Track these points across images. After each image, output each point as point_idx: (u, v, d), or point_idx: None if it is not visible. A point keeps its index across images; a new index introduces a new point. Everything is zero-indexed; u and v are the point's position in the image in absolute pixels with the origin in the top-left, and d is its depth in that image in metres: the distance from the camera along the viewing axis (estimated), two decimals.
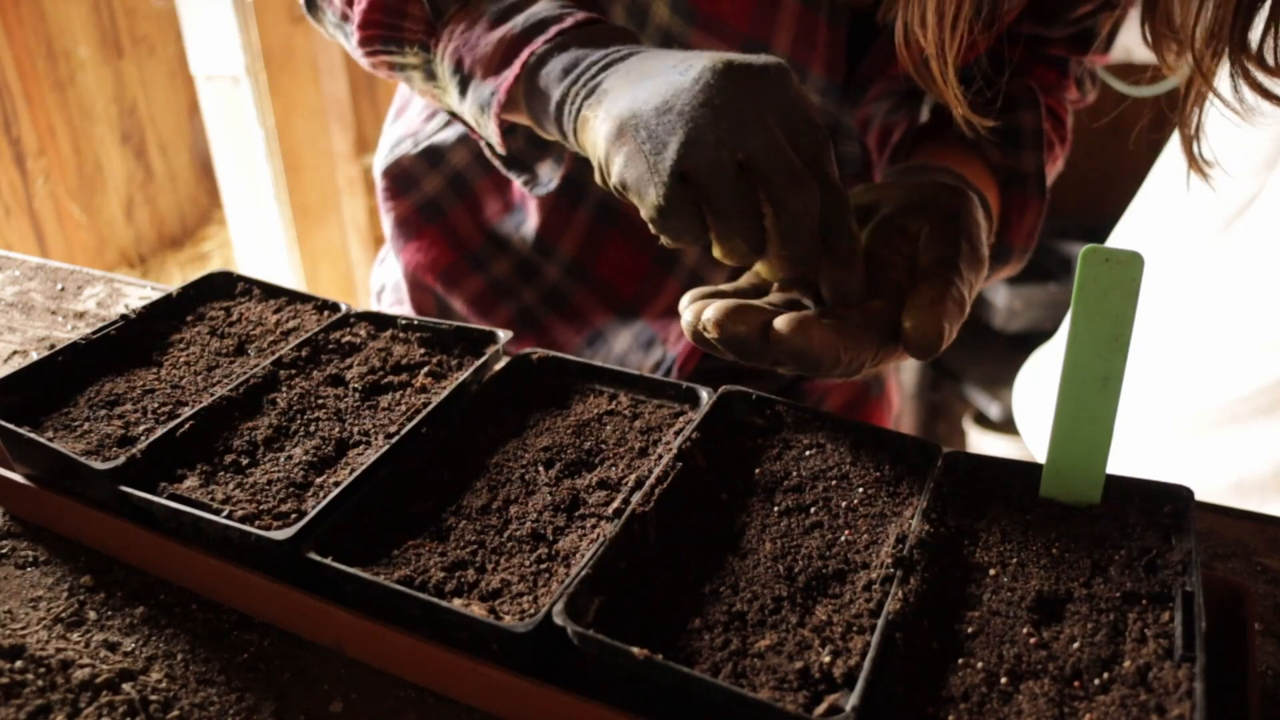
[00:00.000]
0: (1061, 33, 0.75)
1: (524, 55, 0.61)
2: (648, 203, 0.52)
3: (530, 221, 0.86)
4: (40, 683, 0.48)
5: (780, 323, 0.51)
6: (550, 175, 0.72)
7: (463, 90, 0.65)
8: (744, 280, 0.61)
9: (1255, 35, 0.55)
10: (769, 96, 0.51)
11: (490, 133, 0.65)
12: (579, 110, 0.57)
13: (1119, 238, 1.31)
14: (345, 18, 0.71)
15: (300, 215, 2.28)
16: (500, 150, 0.67)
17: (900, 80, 0.76)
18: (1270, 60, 0.55)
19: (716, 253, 0.53)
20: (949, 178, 0.67)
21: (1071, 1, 0.71)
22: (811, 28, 0.70)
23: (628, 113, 0.53)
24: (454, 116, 0.71)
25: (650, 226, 0.53)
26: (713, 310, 0.53)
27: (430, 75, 0.69)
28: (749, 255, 0.53)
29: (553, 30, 0.61)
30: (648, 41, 0.72)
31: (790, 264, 0.53)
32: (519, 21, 0.62)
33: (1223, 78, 0.57)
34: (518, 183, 0.72)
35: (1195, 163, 0.62)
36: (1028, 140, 0.75)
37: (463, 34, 0.65)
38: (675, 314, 0.85)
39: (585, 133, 0.57)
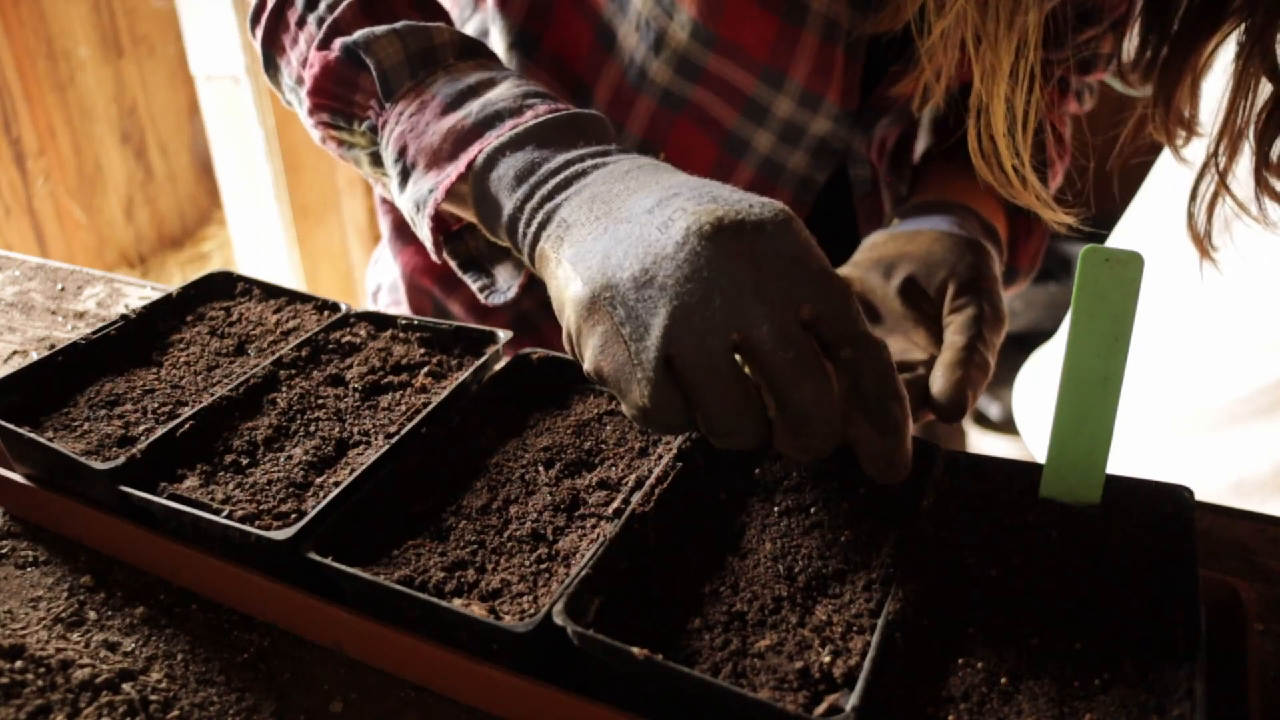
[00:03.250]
0: (1064, 55, 0.76)
1: (471, 152, 0.54)
2: (630, 401, 0.45)
3: None
4: (40, 683, 0.48)
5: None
6: (509, 282, 0.64)
7: (403, 181, 0.58)
8: None
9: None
10: (769, 261, 0.43)
11: (424, 234, 0.57)
12: (535, 239, 0.51)
13: (1119, 238, 1.31)
14: (300, 81, 0.64)
15: (300, 215, 2.28)
16: (434, 257, 0.60)
17: (911, 105, 0.76)
18: None
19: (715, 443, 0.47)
20: (965, 217, 0.68)
21: (1077, 28, 0.71)
22: (829, 59, 0.69)
23: (600, 281, 0.45)
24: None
25: (633, 422, 0.48)
26: None
27: (377, 161, 0.62)
28: (749, 445, 0.46)
29: (507, 125, 0.54)
30: (662, 65, 0.71)
31: (799, 453, 0.45)
32: (473, 110, 0.55)
33: (1233, 175, 0.58)
34: (473, 288, 0.64)
35: (1206, 252, 0.63)
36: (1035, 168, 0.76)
37: (411, 117, 0.57)
38: None
39: (546, 273, 0.50)
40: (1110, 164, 0.65)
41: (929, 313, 0.61)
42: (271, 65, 0.68)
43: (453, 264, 0.64)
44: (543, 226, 0.50)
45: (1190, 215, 0.61)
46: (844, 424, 0.44)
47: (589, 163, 0.51)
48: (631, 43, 0.72)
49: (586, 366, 0.47)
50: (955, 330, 0.58)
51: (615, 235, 0.46)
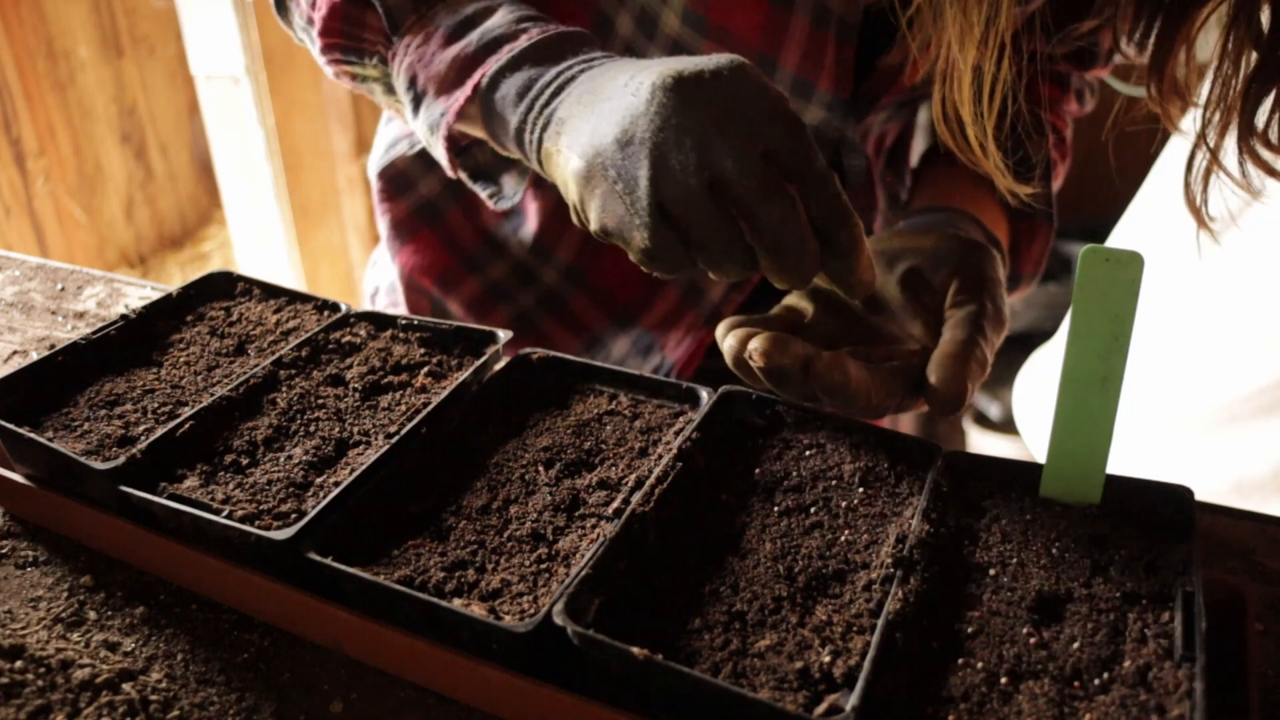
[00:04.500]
0: (1064, 49, 0.76)
1: (475, 77, 0.60)
2: (634, 247, 0.51)
3: (528, 225, 0.86)
4: (40, 683, 0.48)
5: (822, 359, 0.52)
6: (514, 189, 0.71)
7: (415, 108, 0.64)
8: (777, 310, 0.62)
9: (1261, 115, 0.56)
10: (727, 104, 0.49)
11: (439, 154, 0.64)
12: (540, 143, 0.56)
13: (1119, 238, 1.31)
14: (310, 22, 0.70)
15: (300, 215, 2.28)
16: (450, 174, 0.66)
17: (904, 95, 0.76)
18: (1276, 139, 0.56)
19: (711, 276, 0.53)
20: (967, 224, 0.68)
21: (1074, 20, 0.71)
22: (820, 46, 0.70)
23: (590, 150, 0.51)
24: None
25: (641, 266, 0.53)
26: (759, 341, 0.53)
27: (390, 89, 0.67)
28: (742, 274, 0.52)
29: (505, 50, 0.59)
30: (655, 51, 0.72)
31: (784, 276, 0.51)
32: (473, 39, 0.61)
33: (1228, 147, 0.58)
34: (483, 196, 0.71)
35: (1203, 223, 0.63)
36: (1036, 170, 0.76)
37: (418, 49, 0.63)
38: (673, 321, 0.86)
39: (552, 169, 0.56)
40: (1105, 135, 0.65)
41: (929, 306, 0.61)
42: (282, 7, 0.73)
43: (463, 175, 0.69)
44: (544, 129, 0.56)
45: (1186, 185, 0.61)
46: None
47: (577, 69, 0.57)
48: (628, 30, 0.72)
49: (593, 227, 0.53)
50: (955, 324, 0.59)
51: (599, 112, 0.52)
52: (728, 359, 0.56)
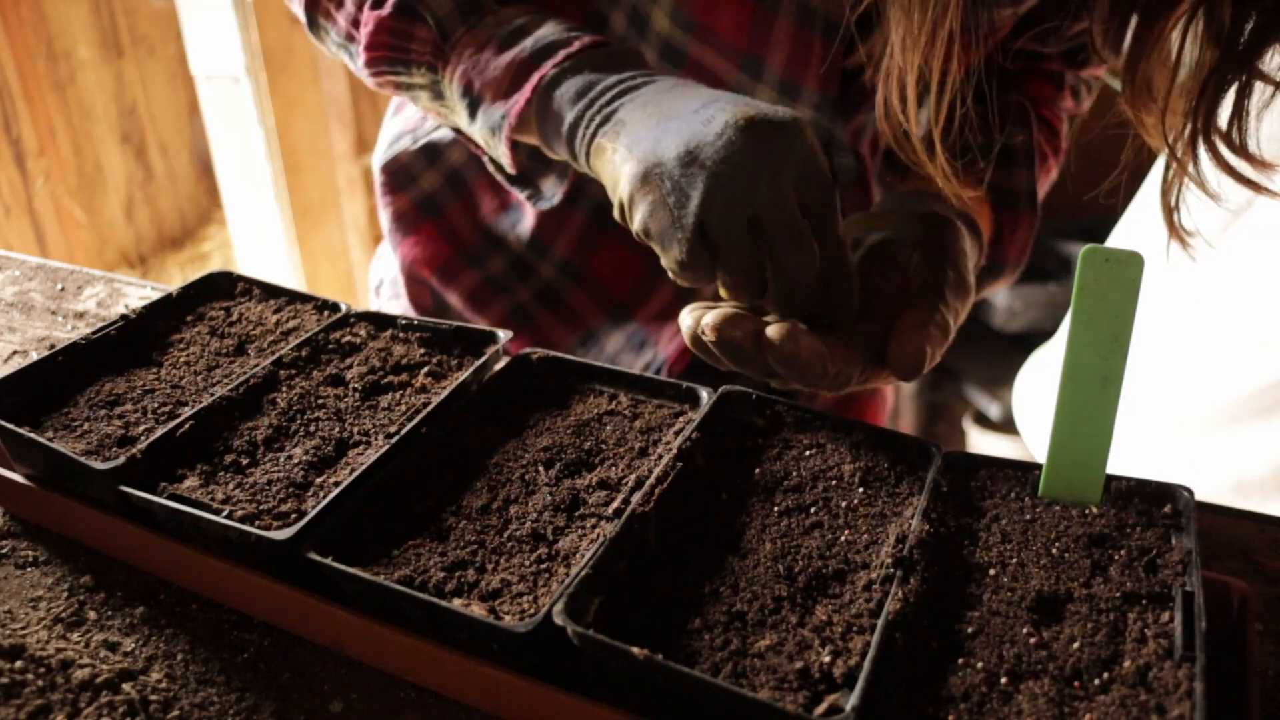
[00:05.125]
0: (1057, 48, 0.75)
1: (534, 79, 0.62)
2: (670, 255, 0.55)
3: (526, 221, 0.86)
4: (40, 683, 0.48)
5: (772, 330, 0.53)
6: (554, 190, 0.73)
7: (472, 113, 0.66)
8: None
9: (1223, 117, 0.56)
10: (785, 153, 0.53)
11: (501, 154, 0.66)
12: (593, 136, 0.59)
13: (1119, 238, 1.31)
14: (351, 38, 0.71)
15: (300, 215, 2.28)
16: (510, 170, 0.68)
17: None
18: (1237, 139, 0.57)
19: (721, 292, 0.57)
20: (941, 207, 0.69)
21: (1062, 17, 0.71)
22: (806, 45, 0.70)
23: (652, 158, 0.54)
24: (458, 133, 0.72)
25: (669, 273, 0.56)
26: (711, 316, 0.55)
27: (438, 95, 0.69)
28: (749, 299, 0.56)
29: (561, 54, 0.62)
30: (648, 50, 0.72)
31: (784, 309, 0.56)
32: (527, 45, 0.63)
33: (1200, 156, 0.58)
34: (521, 197, 0.73)
35: (1176, 232, 0.64)
36: (1020, 158, 0.76)
37: (471, 57, 0.65)
38: (667, 317, 0.87)
39: (601, 161, 0.58)
40: (1087, 137, 0.65)
41: (895, 282, 0.61)
42: (316, 26, 0.75)
43: (500, 178, 0.72)
44: (600, 125, 0.58)
45: (1163, 193, 0.62)
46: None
47: (640, 80, 0.60)
48: (621, 28, 0.73)
49: (635, 227, 0.56)
50: (917, 292, 0.59)
51: (665, 127, 0.55)
52: (685, 337, 0.57)
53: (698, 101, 0.56)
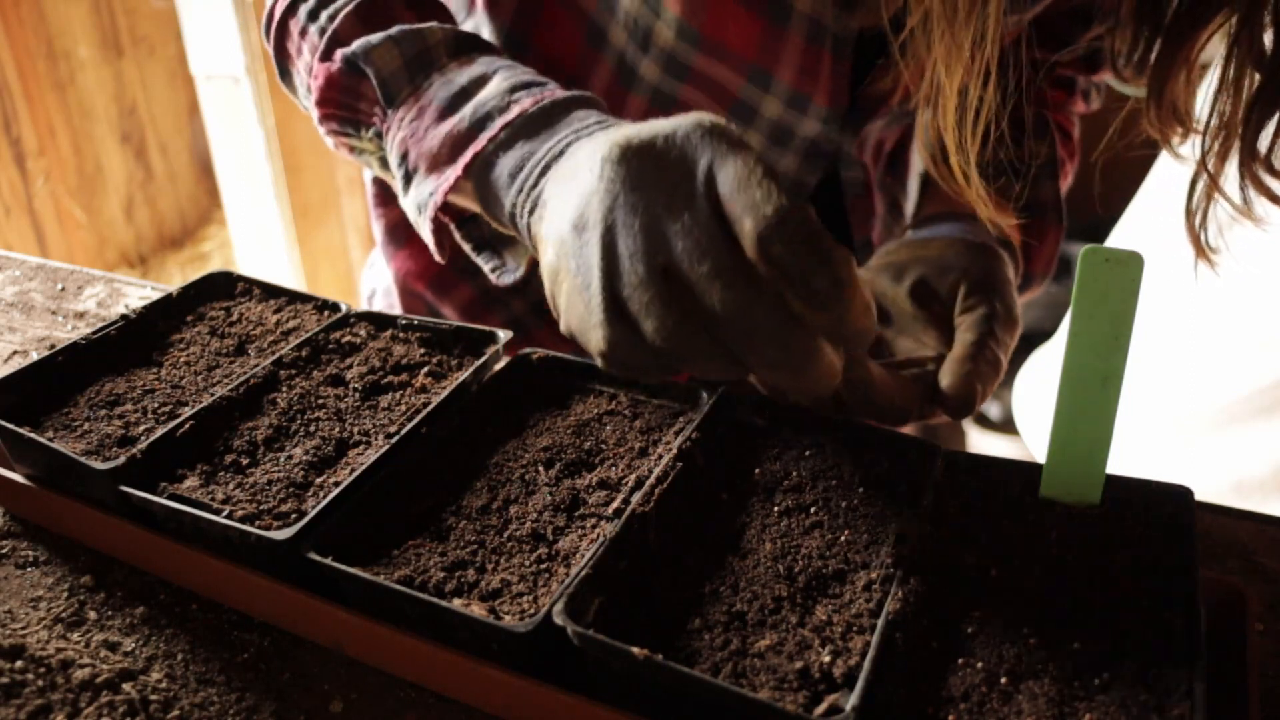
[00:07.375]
0: (1071, 56, 0.75)
1: (467, 157, 0.55)
2: (592, 349, 0.45)
3: None
4: (40, 683, 0.48)
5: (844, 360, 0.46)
6: (517, 262, 0.65)
7: (406, 185, 0.60)
8: None
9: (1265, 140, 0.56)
10: (679, 176, 0.42)
11: (425, 235, 0.60)
12: (530, 227, 0.52)
13: (1119, 238, 1.31)
14: (310, 90, 0.66)
15: (300, 215, 2.28)
16: (436, 257, 0.61)
17: (901, 105, 0.76)
18: (1278, 164, 0.55)
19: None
20: (978, 228, 0.69)
21: (1081, 28, 0.71)
22: (815, 60, 0.69)
23: (555, 240, 0.46)
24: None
25: (603, 369, 0.46)
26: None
27: (386, 164, 0.64)
28: (728, 376, 0.44)
29: (498, 125, 0.55)
30: (650, 63, 0.71)
31: (778, 376, 0.42)
32: (466, 114, 0.57)
33: (1229, 173, 0.58)
34: (486, 269, 0.65)
35: (1203, 252, 0.62)
36: (1044, 171, 0.76)
37: (411, 123, 0.59)
38: None
39: (539, 257, 0.51)
40: (1095, 155, 0.65)
41: (940, 314, 0.61)
42: (285, 74, 0.71)
43: (466, 247, 0.65)
44: (531, 213, 0.51)
45: (1189, 213, 0.61)
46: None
47: (566, 141, 0.51)
48: (621, 41, 0.72)
49: (561, 328, 0.47)
50: (966, 328, 0.59)
51: (566, 191, 0.46)
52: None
53: (594, 144, 0.46)
